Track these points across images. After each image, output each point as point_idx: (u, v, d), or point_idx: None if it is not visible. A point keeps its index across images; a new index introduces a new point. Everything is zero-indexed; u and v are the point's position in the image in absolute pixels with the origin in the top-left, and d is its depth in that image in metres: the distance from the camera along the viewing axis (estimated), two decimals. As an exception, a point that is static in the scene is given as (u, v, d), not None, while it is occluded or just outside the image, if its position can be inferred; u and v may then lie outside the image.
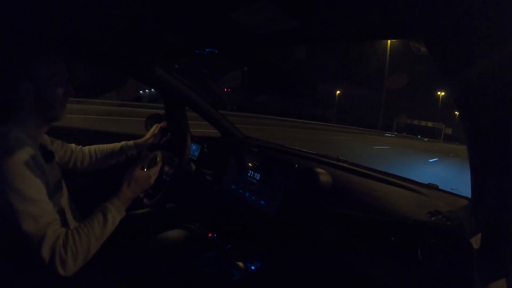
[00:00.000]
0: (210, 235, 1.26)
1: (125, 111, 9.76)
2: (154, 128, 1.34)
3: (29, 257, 0.72)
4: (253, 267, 1.09)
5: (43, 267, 0.69)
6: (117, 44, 1.08)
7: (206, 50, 1.00)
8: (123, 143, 1.25)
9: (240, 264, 1.09)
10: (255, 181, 1.23)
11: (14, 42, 0.82)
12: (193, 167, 1.54)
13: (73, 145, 1.13)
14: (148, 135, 1.32)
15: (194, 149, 1.65)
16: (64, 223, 0.88)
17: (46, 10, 0.75)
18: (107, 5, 0.70)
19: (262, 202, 1.17)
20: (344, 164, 1.26)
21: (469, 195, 0.84)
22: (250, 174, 1.26)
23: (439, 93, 44.06)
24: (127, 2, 0.68)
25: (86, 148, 1.17)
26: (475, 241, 0.73)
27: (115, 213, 0.82)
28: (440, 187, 1.07)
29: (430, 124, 43.01)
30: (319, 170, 1.07)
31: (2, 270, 0.77)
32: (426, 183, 1.10)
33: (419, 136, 39.80)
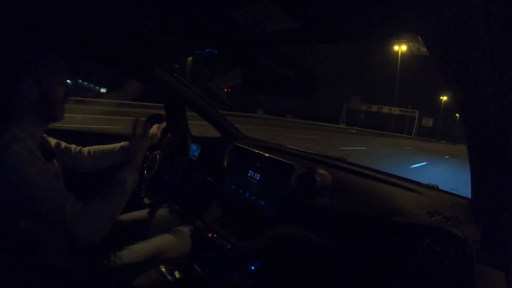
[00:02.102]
0: (210, 235, 1.26)
1: (125, 111, 9.76)
2: (154, 129, 1.34)
3: (32, 254, 0.73)
4: (253, 267, 1.09)
5: (73, 239, 0.76)
6: (117, 44, 1.08)
7: (206, 50, 1.00)
8: (122, 143, 1.25)
9: (240, 264, 1.09)
10: (255, 181, 1.23)
11: (20, 40, 0.83)
12: (193, 167, 1.54)
13: (73, 145, 1.13)
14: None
15: (194, 149, 1.65)
16: None
17: (46, 10, 0.75)
18: (107, 5, 0.71)
19: (262, 202, 1.17)
20: (344, 164, 1.26)
21: (469, 195, 0.84)
22: (250, 174, 1.26)
23: (396, 47, 27.37)
24: (127, 2, 0.68)
25: (86, 149, 1.17)
26: (475, 241, 0.73)
27: (131, 180, 0.92)
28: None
29: (396, 110, 29.01)
30: (319, 170, 1.07)
31: (5, 266, 0.77)
32: (426, 183, 1.10)
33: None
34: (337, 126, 26.18)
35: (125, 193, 0.89)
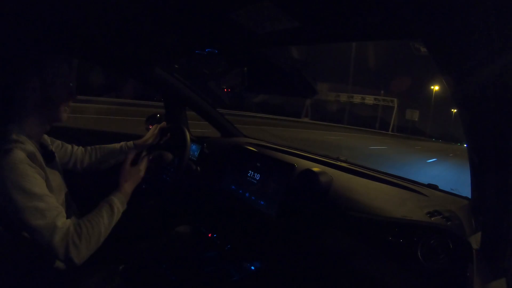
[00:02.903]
0: (210, 235, 1.26)
1: (126, 110, 9.75)
2: (154, 128, 1.34)
3: (33, 256, 0.73)
4: (253, 267, 1.09)
5: (57, 257, 0.72)
6: (117, 44, 1.08)
7: (206, 50, 1.00)
8: (122, 143, 1.25)
9: (240, 264, 1.09)
10: (255, 181, 1.23)
11: (20, 40, 0.83)
12: (193, 167, 1.54)
13: (73, 145, 1.13)
14: (148, 135, 1.32)
15: (194, 149, 1.65)
16: None
17: (47, 10, 0.75)
18: (108, 6, 0.71)
19: (262, 202, 1.17)
20: (344, 164, 1.26)
21: (469, 195, 0.84)
22: (250, 174, 1.26)
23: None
24: (128, 3, 0.68)
25: (86, 148, 1.17)
26: (475, 241, 0.73)
27: (119, 205, 0.88)
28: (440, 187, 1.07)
29: (369, 99, 23.25)
30: (319, 170, 1.07)
31: (6, 269, 0.77)
32: (426, 183, 1.10)
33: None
34: (300, 120, 20.78)
35: (113, 218, 0.85)
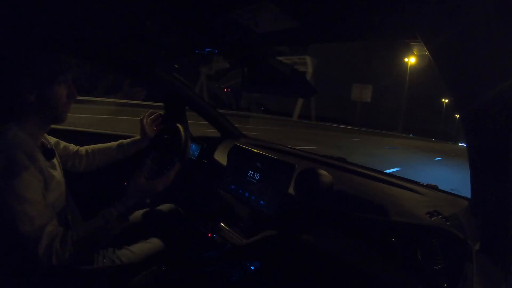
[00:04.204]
0: (210, 235, 1.26)
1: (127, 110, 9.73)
2: (146, 124, 1.32)
3: (27, 257, 0.72)
4: (252, 267, 1.09)
5: (39, 266, 0.70)
6: (117, 44, 1.09)
7: (206, 50, 1.00)
8: (120, 141, 1.25)
9: (240, 264, 1.09)
10: (255, 181, 1.23)
11: (17, 42, 0.82)
12: (193, 167, 1.54)
13: (71, 145, 1.13)
14: (141, 131, 1.31)
15: (194, 149, 1.65)
16: (65, 222, 0.88)
17: (47, 10, 0.75)
18: (107, 5, 0.71)
19: (262, 202, 1.17)
20: (344, 164, 1.25)
21: (469, 195, 0.84)
22: (250, 174, 1.26)
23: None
24: (128, 2, 0.68)
25: (84, 148, 1.17)
26: (475, 241, 0.73)
27: (118, 220, 0.80)
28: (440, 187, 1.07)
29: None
30: (319, 170, 1.07)
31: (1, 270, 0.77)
32: (426, 183, 1.10)
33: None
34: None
35: (105, 232, 0.79)
